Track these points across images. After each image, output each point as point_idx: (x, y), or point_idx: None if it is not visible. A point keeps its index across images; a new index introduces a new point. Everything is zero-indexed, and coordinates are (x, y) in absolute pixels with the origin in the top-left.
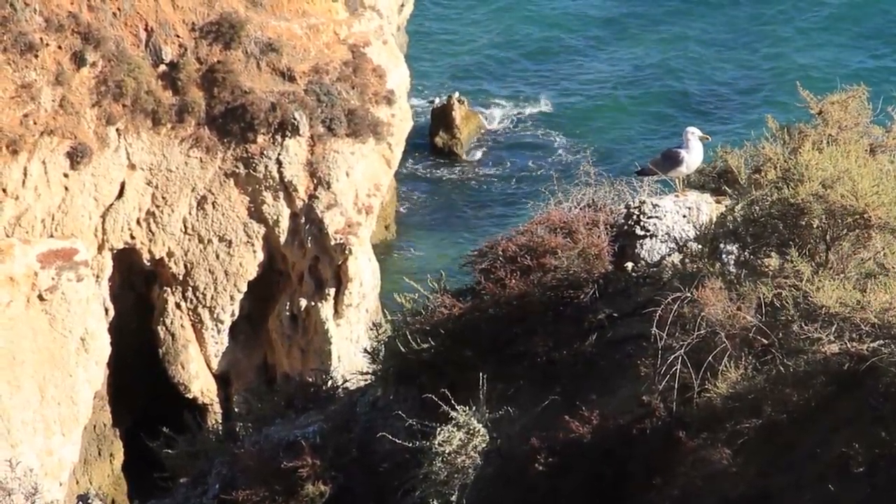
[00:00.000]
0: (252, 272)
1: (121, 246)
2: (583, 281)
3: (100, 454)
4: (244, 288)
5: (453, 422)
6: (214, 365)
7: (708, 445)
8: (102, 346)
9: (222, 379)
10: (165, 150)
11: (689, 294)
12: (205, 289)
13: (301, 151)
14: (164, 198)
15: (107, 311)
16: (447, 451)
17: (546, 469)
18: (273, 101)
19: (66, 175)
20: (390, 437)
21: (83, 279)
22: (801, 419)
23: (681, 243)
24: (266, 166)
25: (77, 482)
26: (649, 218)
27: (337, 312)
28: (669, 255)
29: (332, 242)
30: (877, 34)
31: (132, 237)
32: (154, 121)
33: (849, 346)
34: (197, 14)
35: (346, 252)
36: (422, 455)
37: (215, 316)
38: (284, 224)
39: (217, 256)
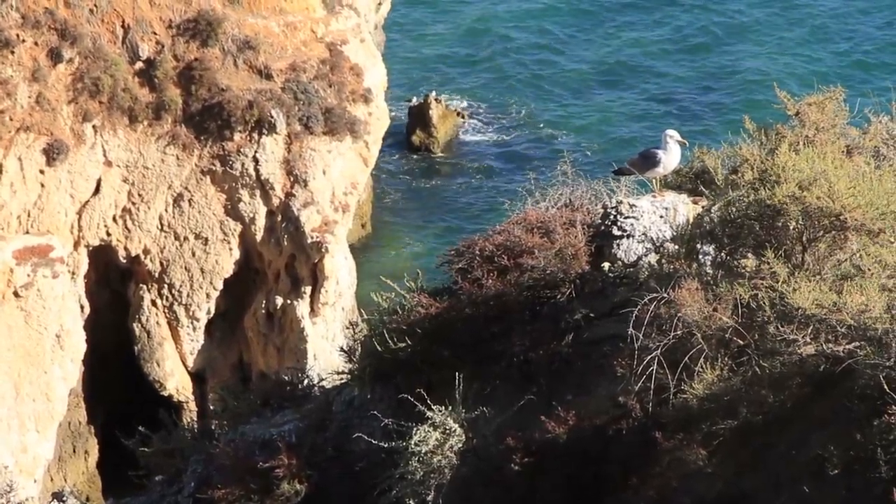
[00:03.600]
0: (228, 270)
1: (97, 243)
2: (560, 281)
3: (75, 451)
4: (220, 286)
5: (429, 421)
6: (190, 362)
7: (684, 446)
8: (78, 343)
9: (198, 377)
10: (142, 148)
11: (665, 294)
12: (181, 286)
13: (278, 149)
14: (140, 195)
15: (82, 308)
16: (423, 451)
17: (522, 469)
18: (250, 98)
19: (42, 171)
20: (366, 437)
21: (59, 276)
22: (777, 421)
23: (658, 244)
24: (243, 164)
25: (52, 479)
26: (626, 218)
27: (313, 311)
28: (646, 255)
29: (309, 241)
30: (854, 36)
31: (108, 234)
32: (131, 118)
33: (825, 347)
34: (174, 11)
35: (323, 250)
36: (398, 455)
37: (191, 313)
38: (261, 222)
39: (193, 254)
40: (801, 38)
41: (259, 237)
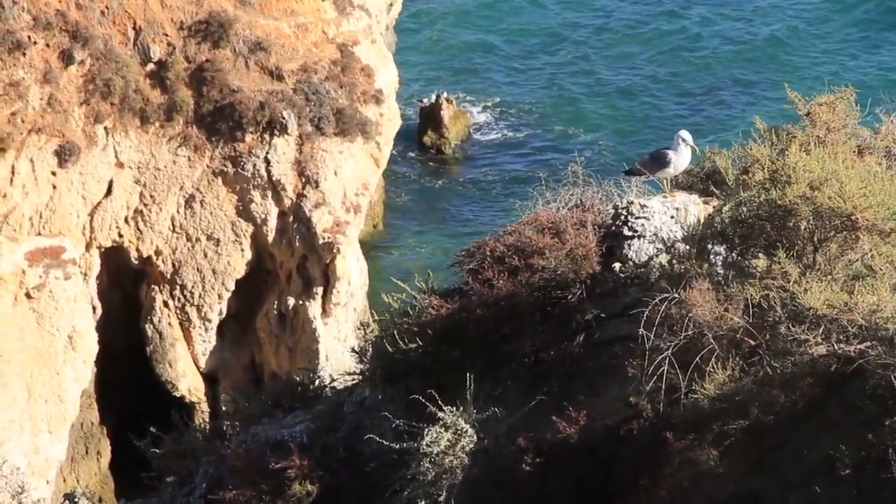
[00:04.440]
0: (240, 271)
1: (109, 244)
2: (570, 281)
3: (87, 452)
4: (232, 286)
5: (441, 422)
6: (202, 363)
7: (695, 446)
8: (90, 345)
9: (210, 378)
10: (154, 149)
11: (676, 295)
12: (193, 287)
13: (289, 150)
14: (152, 196)
15: (94, 309)
16: (435, 452)
17: (533, 470)
18: (261, 99)
19: (53, 173)
20: (377, 438)
21: (71, 277)
22: (788, 421)
23: (668, 244)
24: (254, 165)
25: (64, 480)
26: (637, 218)
27: (325, 311)
28: (657, 255)
29: (321, 241)
30: (864, 36)
31: (120, 235)
32: (142, 119)
33: (836, 347)
34: (185, 13)
35: (335, 251)
36: (409, 456)
37: (203, 314)
38: (272, 223)
39: (205, 255)
40: (817, 39)
41: (271, 238)
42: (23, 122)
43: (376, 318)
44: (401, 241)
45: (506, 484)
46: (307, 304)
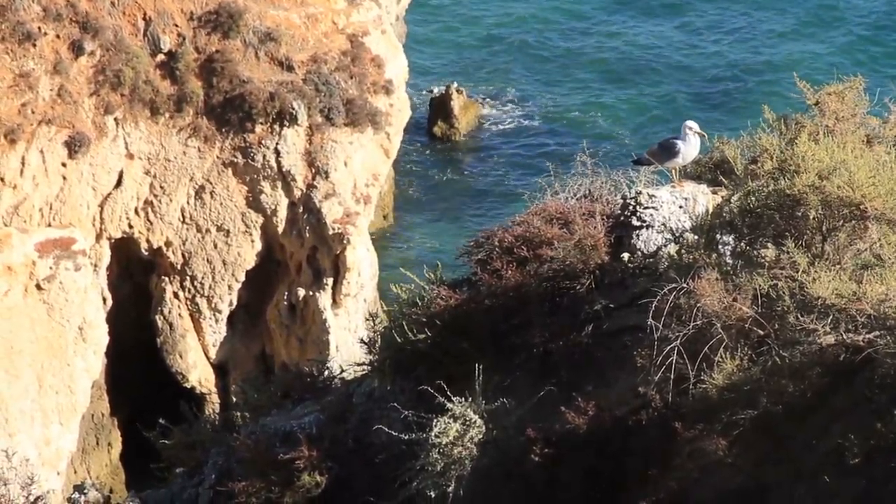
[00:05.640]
0: (250, 262)
1: (119, 235)
2: (579, 272)
3: (98, 444)
4: (242, 277)
5: (450, 413)
6: (212, 354)
7: (704, 437)
8: (100, 336)
9: (220, 369)
10: (164, 140)
11: (685, 285)
12: (203, 278)
13: (299, 141)
14: (162, 187)
15: (105, 300)
16: (444, 443)
17: (542, 460)
18: (271, 90)
19: (64, 164)
20: (387, 429)
21: (81, 268)
22: (797, 411)
23: (677, 234)
24: (264, 156)
25: (75, 472)
26: (646, 209)
27: (335, 302)
28: (666, 245)
29: (331, 232)
30: (875, 26)
31: (130, 226)
32: (152, 110)
33: (845, 337)
34: (195, 3)
35: (345, 242)
36: (418, 446)
37: (213, 305)
38: (282, 214)
39: (215, 246)
40: (828, 28)
41: (281, 229)
42: (33, 113)
43: (386, 308)
44: (410, 232)
45: (515, 475)
46: (317, 294)
